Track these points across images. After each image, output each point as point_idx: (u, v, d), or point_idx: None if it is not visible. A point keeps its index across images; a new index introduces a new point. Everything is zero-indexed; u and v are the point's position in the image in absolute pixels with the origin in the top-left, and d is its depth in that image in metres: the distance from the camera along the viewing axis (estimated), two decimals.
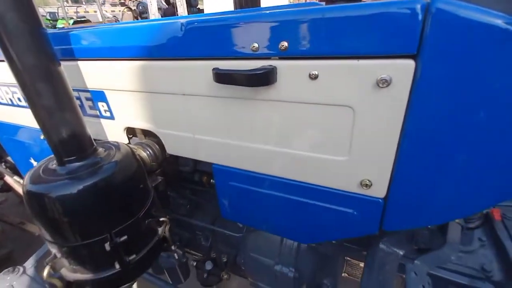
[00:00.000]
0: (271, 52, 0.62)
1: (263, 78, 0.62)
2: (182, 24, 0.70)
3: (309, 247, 1.09)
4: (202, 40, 0.68)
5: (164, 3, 9.22)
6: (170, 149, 0.96)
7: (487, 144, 0.53)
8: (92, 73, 0.96)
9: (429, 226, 0.83)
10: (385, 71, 0.53)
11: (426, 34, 0.48)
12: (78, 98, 1.05)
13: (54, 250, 0.76)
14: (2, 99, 1.31)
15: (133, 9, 9.49)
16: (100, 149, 0.81)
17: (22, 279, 1.24)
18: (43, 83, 0.65)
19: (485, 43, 0.46)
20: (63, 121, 0.70)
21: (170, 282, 1.45)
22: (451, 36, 0.47)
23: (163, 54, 0.77)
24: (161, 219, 0.86)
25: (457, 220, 0.83)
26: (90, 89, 1.00)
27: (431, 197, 0.62)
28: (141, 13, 9.13)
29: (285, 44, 0.60)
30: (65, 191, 0.69)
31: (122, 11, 9.34)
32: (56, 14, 8.73)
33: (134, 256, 0.80)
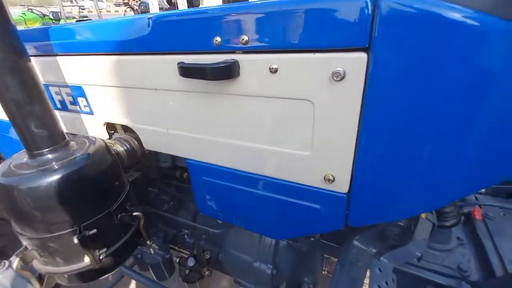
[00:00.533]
0: (233, 46, 0.62)
1: (225, 72, 0.62)
2: (149, 19, 0.70)
3: (288, 244, 1.09)
4: (168, 34, 0.69)
5: (166, 3, 9.26)
6: (147, 144, 0.97)
7: (447, 136, 0.52)
8: (71, 69, 0.97)
9: (399, 223, 0.82)
10: (339, 64, 0.53)
11: (376, 27, 0.48)
12: (59, 94, 1.07)
13: (24, 242, 0.77)
14: None
15: (135, 8, 9.55)
16: (73, 143, 0.82)
17: (7, 272, 1.26)
18: (10, 77, 0.66)
19: (435, 35, 0.45)
20: (32, 114, 0.71)
21: (155, 278, 1.46)
22: (400, 28, 0.47)
23: (133, 49, 0.77)
24: (135, 213, 0.87)
25: (428, 217, 0.82)
26: (69, 85, 1.01)
27: (394, 192, 0.62)
28: (143, 12, 9.18)
29: (245, 38, 0.60)
30: (34, 183, 0.70)
31: (124, 11, 9.41)
32: (59, 13, 8.83)
33: (105, 250, 0.81)
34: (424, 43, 0.46)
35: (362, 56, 0.51)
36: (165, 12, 0.70)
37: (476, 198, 1.14)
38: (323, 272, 1.18)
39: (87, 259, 0.77)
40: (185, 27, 0.66)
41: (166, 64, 0.73)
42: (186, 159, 0.90)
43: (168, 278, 1.44)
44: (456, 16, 0.44)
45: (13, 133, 1.53)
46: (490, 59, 0.45)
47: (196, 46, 0.67)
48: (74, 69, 0.96)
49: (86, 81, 0.96)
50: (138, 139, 1.03)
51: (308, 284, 1.18)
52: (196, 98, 0.74)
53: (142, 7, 9.25)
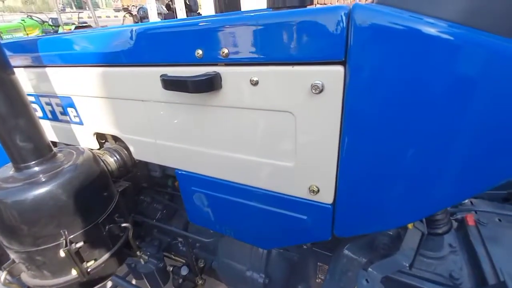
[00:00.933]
0: (214, 58, 0.63)
1: (207, 84, 0.62)
2: (134, 31, 0.70)
3: (279, 253, 1.08)
4: (150, 46, 0.69)
5: (164, 8, 9.33)
6: (136, 155, 0.97)
7: (429, 144, 0.52)
8: (60, 79, 0.97)
9: (389, 232, 0.82)
10: (317, 77, 0.53)
11: (351, 40, 0.48)
12: (49, 104, 1.07)
13: (12, 255, 0.77)
14: None
15: (134, 14, 9.62)
16: (60, 154, 0.82)
17: None
18: None
19: (408, 47, 0.45)
20: (16, 128, 0.71)
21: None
22: (375, 41, 0.46)
23: (120, 61, 0.78)
24: (124, 224, 0.87)
25: (417, 226, 0.82)
26: (59, 95, 1.02)
27: (379, 201, 0.61)
28: (142, 18, 9.25)
29: (226, 51, 0.60)
30: (20, 197, 0.70)
31: (123, 16, 9.48)
32: (58, 20, 8.91)
33: (93, 262, 0.81)
34: (399, 55, 0.46)
35: (339, 70, 0.51)
36: (149, 24, 0.71)
37: (472, 203, 1.13)
38: (317, 280, 1.17)
39: (74, 272, 0.77)
40: (168, 39, 0.66)
41: (151, 76, 0.73)
42: (175, 168, 0.90)
43: (162, 287, 1.43)
44: (429, 29, 0.44)
45: None
46: (466, 69, 0.45)
47: (179, 58, 0.67)
48: (64, 80, 0.96)
49: (75, 92, 0.96)
50: (128, 149, 1.03)
51: None
52: (181, 109, 0.74)
53: (141, 13, 9.32)
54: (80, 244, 0.76)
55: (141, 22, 9.18)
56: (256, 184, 0.73)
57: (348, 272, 0.84)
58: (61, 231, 0.75)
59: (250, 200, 0.76)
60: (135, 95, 0.81)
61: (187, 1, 8.26)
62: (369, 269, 0.72)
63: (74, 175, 0.77)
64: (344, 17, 0.47)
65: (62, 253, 0.73)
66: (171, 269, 1.34)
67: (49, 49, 0.94)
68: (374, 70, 0.48)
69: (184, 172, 0.87)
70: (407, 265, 0.73)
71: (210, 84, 0.62)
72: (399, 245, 0.79)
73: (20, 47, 1.00)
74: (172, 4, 8.17)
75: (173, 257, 1.45)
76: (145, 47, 0.70)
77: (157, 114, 0.80)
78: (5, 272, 0.75)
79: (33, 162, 0.75)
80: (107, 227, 0.84)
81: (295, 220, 0.71)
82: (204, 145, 0.76)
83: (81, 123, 1.04)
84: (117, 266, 0.92)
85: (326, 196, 0.65)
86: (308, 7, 0.59)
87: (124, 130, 0.94)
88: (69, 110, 1.03)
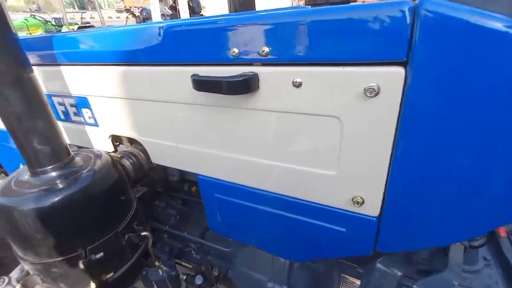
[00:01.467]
0: (252, 58, 0.58)
1: (244, 86, 0.58)
2: (160, 28, 0.66)
3: (303, 264, 1.03)
4: (180, 45, 0.65)
5: (168, 10, 9.32)
6: (155, 158, 0.92)
7: (491, 159, 0.47)
8: (75, 79, 0.93)
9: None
10: (373, 80, 0.48)
11: (416, 39, 0.43)
12: (62, 104, 1.02)
13: (26, 267, 0.72)
14: None
15: (137, 15, 9.60)
16: (78, 158, 0.77)
17: None
18: (11, 89, 0.62)
19: (480, 46, 0.41)
20: (34, 129, 0.66)
21: None
22: (443, 40, 0.42)
23: (142, 60, 0.73)
24: (143, 233, 0.82)
25: None
26: (73, 95, 0.97)
27: (431, 217, 0.56)
28: (145, 19, 9.23)
29: (266, 49, 0.55)
30: (36, 204, 0.65)
31: (126, 17, 9.46)
32: (61, 20, 8.87)
33: (112, 274, 0.75)
34: (470, 56, 0.42)
35: (399, 71, 0.46)
36: (177, 21, 0.66)
37: None
38: None
39: (92, 285, 0.72)
40: (200, 37, 0.61)
41: (177, 76, 0.68)
42: (196, 174, 0.85)
43: None
44: (506, 28, 0.39)
45: (13, 143, 1.49)
46: None
47: (211, 57, 0.62)
48: (79, 79, 0.91)
49: (92, 92, 0.92)
50: (145, 152, 0.98)
51: None
52: (210, 112, 0.69)
53: (144, 14, 9.30)
54: (100, 255, 0.70)
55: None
56: (291, 194, 0.68)
57: (382, 287, 0.78)
58: (80, 241, 0.69)
59: (282, 210, 0.71)
60: (158, 96, 0.76)
61: (190, 3, 8.25)
62: (414, 286, 0.67)
63: (93, 181, 0.72)
64: (408, 13, 0.42)
65: (81, 265, 0.68)
66: (185, 277, 1.29)
67: (65, 46, 0.89)
68: (440, 71, 0.44)
69: (207, 178, 0.82)
70: (457, 283, 0.67)
71: (247, 85, 0.58)
72: (441, 261, 0.74)
73: (34, 44, 0.96)
74: (177, 6, 8.14)
75: (183, 264, 1.39)
76: (174, 45, 0.66)
77: (181, 116, 0.75)
78: (19, 285, 0.69)
79: (51, 167, 0.70)
80: (126, 236, 0.79)
81: (333, 232, 0.66)
82: (233, 150, 0.71)
83: (96, 124, 0.99)
84: (136, 277, 0.87)
85: (372, 208, 0.60)
86: (355, 3, 0.55)
87: (143, 132, 0.89)
88: (84, 111, 0.99)
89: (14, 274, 1.31)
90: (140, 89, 0.79)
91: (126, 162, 0.92)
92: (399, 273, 0.77)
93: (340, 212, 0.63)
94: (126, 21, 9.32)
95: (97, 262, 0.70)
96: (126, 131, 0.93)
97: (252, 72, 0.58)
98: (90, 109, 0.96)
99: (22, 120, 0.64)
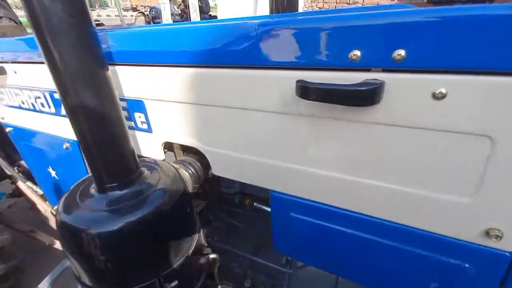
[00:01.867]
0: (378, 62, 0.49)
1: (368, 96, 0.49)
2: (254, 26, 0.57)
3: None
4: (281, 45, 0.56)
5: (177, 9, 9.25)
6: (218, 170, 0.83)
7: None
8: (131, 80, 0.84)
9: None
10: None
11: None
12: None
13: None
14: (24, 103, 1.20)
15: (145, 13, 9.55)
16: (146, 173, 0.68)
17: None
18: (87, 91, 0.53)
19: None
20: (108, 138, 0.57)
21: None
22: None
23: (225, 61, 0.64)
24: (212, 256, 0.72)
25: None
26: (126, 98, 0.88)
27: None
28: (154, 18, 9.17)
29: (402, 53, 0.46)
30: (107, 227, 0.56)
31: (135, 16, 9.40)
32: None
33: None
34: None
35: None
36: (277, 18, 0.57)
37: None
38: None
39: None
40: (310, 37, 0.53)
41: (272, 81, 0.60)
42: (265, 189, 0.76)
43: None
44: None
45: (40, 144, 1.40)
46: None
47: (321, 61, 0.54)
48: (136, 81, 0.83)
49: (149, 95, 0.83)
50: (201, 162, 0.90)
51: None
52: (309, 123, 0.60)
53: (153, 13, 9.24)
54: (175, 283, 0.61)
55: (153, 22, 9.09)
56: (398, 220, 0.59)
57: None
58: (154, 268, 0.61)
59: (385, 238, 0.62)
60: (238, 102, 0.67)
61: (199, 3, 8.18)
62: None
63: (164, 200, 0.62)
64: None
65: None
66: None
67: (121, 45, 0.80)
68: None
69: (283, 196, 0.73)
70: None
71: (372, 97, 0.49)
72: None
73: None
74: (187, 4, 8.07)
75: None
76: (274, 46, 0.57)
77: (264, 126, 0.67)
78: None
79: (120, 183, 0.61)
80: (195, 260, 0.70)
81: (450, 266, 0.57)
82: (333, 168, 0.62)
83: (149, 130, 0.90)
84: None
85: (510, 243, 0.51)
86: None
87: (207, 141, 0.80)
88: (137, 115, 0.90)
89: (43, 286, 1.22)
90: (213, 94, 0.70)
91: (185, 173, 0.83)
92: None
93: (466, 245, 0.54)
94: (135, 20, 9.26)
95: None
96: (185, 139, 0.84)
97: (377, 80, 0.50)
98: (145, 113, 0.87)
99: (96, 127, 0.55)
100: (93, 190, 0.63)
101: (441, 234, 0.56)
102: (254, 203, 1.02)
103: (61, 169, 1.35)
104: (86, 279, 0.61)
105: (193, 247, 0.69)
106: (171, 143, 0.92)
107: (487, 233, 0.51)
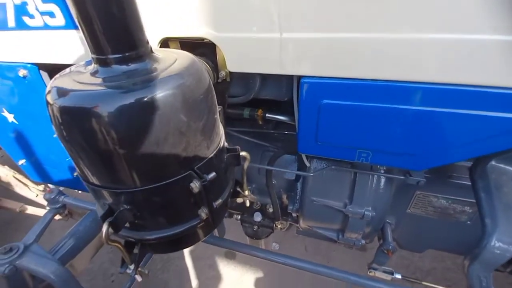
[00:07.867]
0: None
1: None
2: None
3: (387, 182, 0.95)
4: None
5: None
6: (233, 64, 0.71)
7: None
8: None
9: None
10: None
11: None
12: None
13: (110, 199, 0.51)
14: None
15: None
16: (156, 52, 0.53)
17: (26, 257, 0.98)
18: None
19: None
20: None
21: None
22: None
23: None
24: (242, 153, 0.64)
25: None
26: None
27: None
28: None
29: None
30: (126, 100, 0.43)
31: None
32: None
33: (220, 200, 0.58)
34: None
35: None
36: None
37: None
38: (407, 211, 1.09)
39: (203, 214, 0.55)
40: None
41: None
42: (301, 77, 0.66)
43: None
44: None
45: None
46: None
47: None
48: None
49: None
50: (209, 63, 0.76)
51: (390, 224, 1.10)
52: None
53: None
54: (213, 175, 0.52)
55: None
56: (450, 80, 0.55)
57: (502, 187, 0.74)
58: (187, 159, 0.50)
59: (432, 106, 0.58)
60: None
61: None
62: None
63: (194, 79, 0.50)
64: None
65: (195, 188, 0.50)
66: (239, 217, 1.16)
67: None
68: None
69: (317, 81, 0.65)
70: None
71: None
72: None
73: None
74: None
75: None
76: None
77: None
78: (106, 225, 0.49)
79: (127, 54, 0.46)
80: (226, 155, 0.61)
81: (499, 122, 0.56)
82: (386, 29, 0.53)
83: None
84: (227, 208, 0.71)
85: None
86: None
87: (219, 25, 0.66)
88: None
89: (28, 240, 1.07)
90: None
91: (203, 67, 0.69)
92: None
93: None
94: None
95: (210, 184, 0.53)
96: (191, 29, 0.68)
97: None
98: None
99: None
100: (90, 68, 0.47)
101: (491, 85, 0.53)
102: (267, 114, 0.93)
103: (21, 110, 1.07)
104: (102, 180, 0.48)
105: (222, 140, 0.60)
106: (171, 39, 0.74)
107: None
